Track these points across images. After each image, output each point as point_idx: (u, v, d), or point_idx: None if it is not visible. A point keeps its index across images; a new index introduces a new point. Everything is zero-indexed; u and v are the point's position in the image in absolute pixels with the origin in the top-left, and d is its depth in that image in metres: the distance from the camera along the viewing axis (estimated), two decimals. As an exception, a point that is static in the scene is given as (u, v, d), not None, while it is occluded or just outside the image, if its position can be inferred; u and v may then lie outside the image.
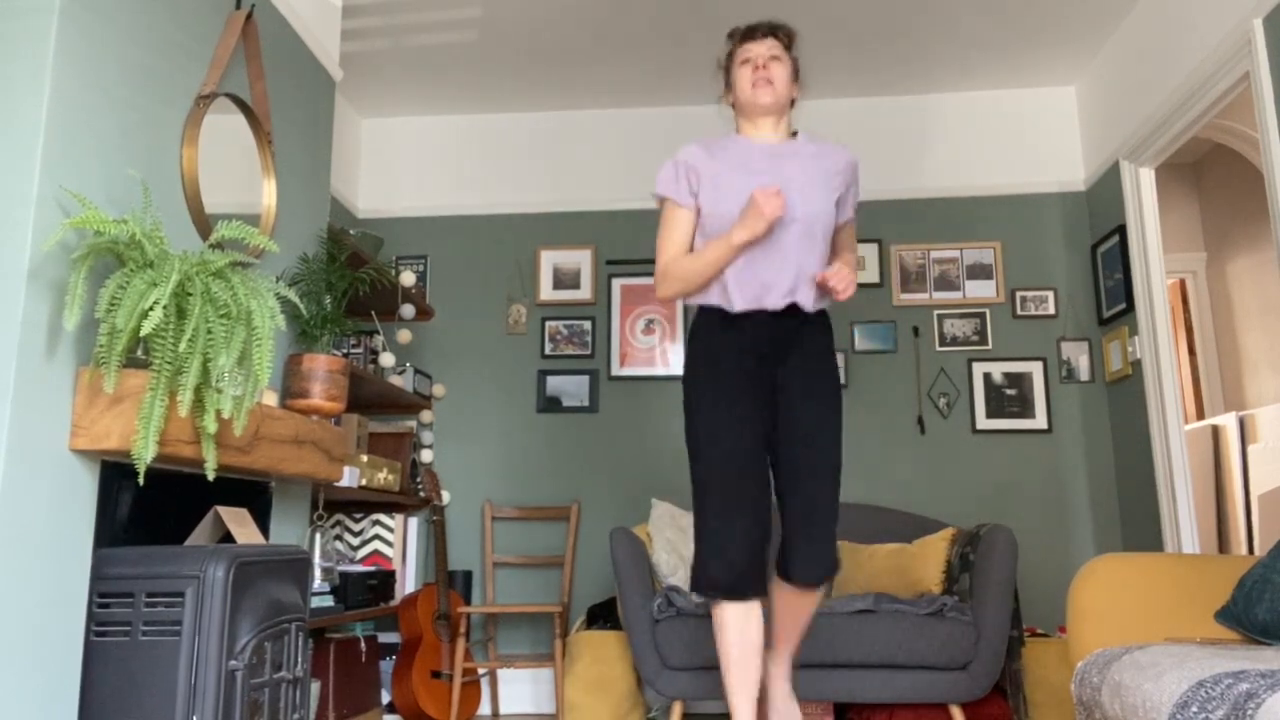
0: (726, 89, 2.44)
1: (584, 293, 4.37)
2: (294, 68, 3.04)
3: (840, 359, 4.18)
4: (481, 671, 3.92)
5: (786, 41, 2.39)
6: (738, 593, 2.22)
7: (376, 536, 3.88)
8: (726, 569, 2.20)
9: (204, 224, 2.41)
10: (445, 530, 3.86)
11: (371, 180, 4.58)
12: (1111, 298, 3.98)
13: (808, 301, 2.29)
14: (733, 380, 2.27)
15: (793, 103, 2.42)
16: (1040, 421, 4.07)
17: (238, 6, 2.67)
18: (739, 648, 2.25)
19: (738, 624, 2.25)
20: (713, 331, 2.31)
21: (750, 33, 2.37)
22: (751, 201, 2.16)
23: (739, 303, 2.27)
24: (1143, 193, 3.80)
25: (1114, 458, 4.03)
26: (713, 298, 2.31)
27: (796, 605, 2.33)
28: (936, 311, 4.20)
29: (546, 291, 4.39)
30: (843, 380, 4.18)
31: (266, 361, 2.02)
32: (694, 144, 2.37)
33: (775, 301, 2.26)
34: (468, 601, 4.02)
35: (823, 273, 2.22)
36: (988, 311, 4.19)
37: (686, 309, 4.32)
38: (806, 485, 2.25)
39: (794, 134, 2.44)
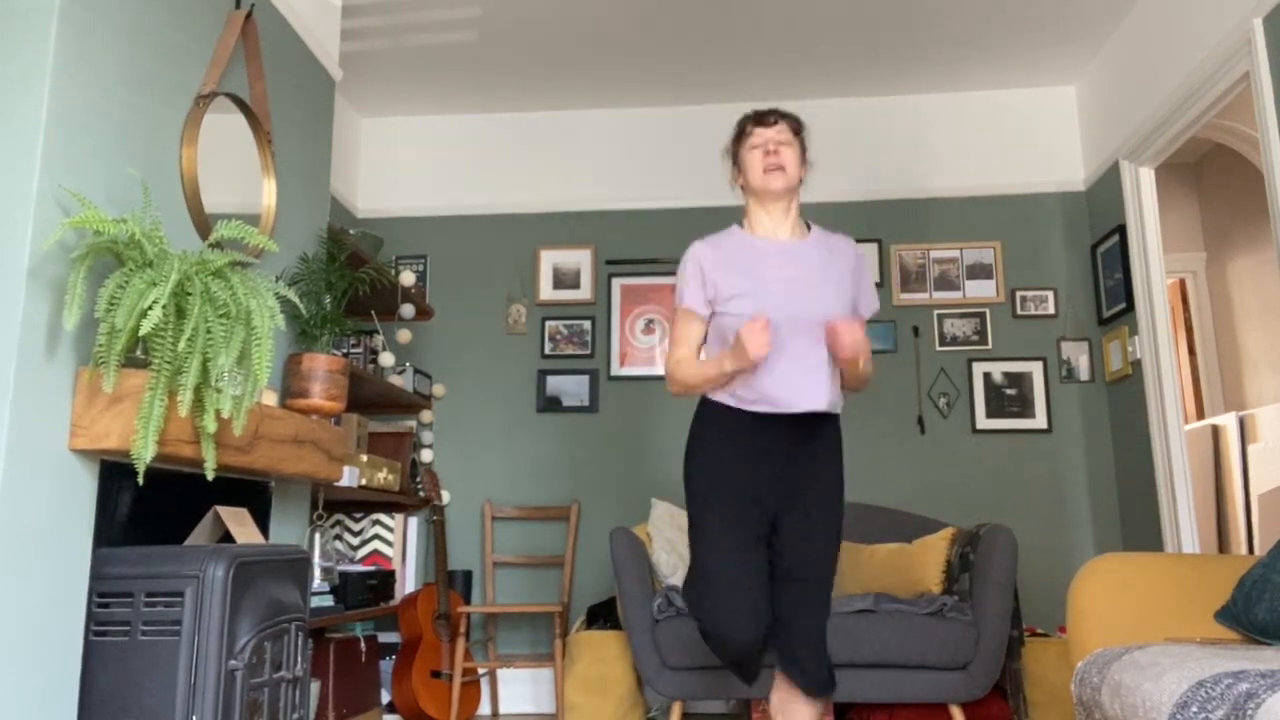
0: (736, 172, 2.44)
1: (584, 292, 4.37)
2: (294, 67, 3.04)
3: (840, 359, 4.18)
4: (481, 671, 3.92)
5: (795, 127, 2.41)
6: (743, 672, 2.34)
7: (376, 536, 3.88)
8: (729, 652, 2.27)
9: (203, 223, 2.41)
10: (445, 530, 3.86)
11: (371, 180, 4.58)
12: (1111, 297, 3.98)
13: (822, 404, 2.25)
14: (737, 472, 2.27)
15: (800, 181, 2.43)
16: (1040, 421, 4.07)
17: (237, 6, 2.67)
18: None
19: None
20: (725, 425, 2.31)
21: (760, 119, 2.39)
22: (738, 338, 2.15)
23: (750, 407, 2.27)
24: (1143, 192, 3.80)
25: (1114, 458, 4.03)
26: (724, 397, 2.31)
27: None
28: (936, 311, 4.20)
29: (546, 291, 4.38)
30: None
31: (266, 361, 2.02)
32: (703, 244, 2.38)
33: (787, 406, 2.24)
34: (467, 601, 4.02)
35: (833, 323, 2.20)
36: (988, 311, 4.19)
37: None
38: (801, 607, 2.28)
39: (808, 226, 2.45)
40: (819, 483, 2.30)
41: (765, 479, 2.27)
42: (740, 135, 2.42)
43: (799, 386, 2.24)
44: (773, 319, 2.25)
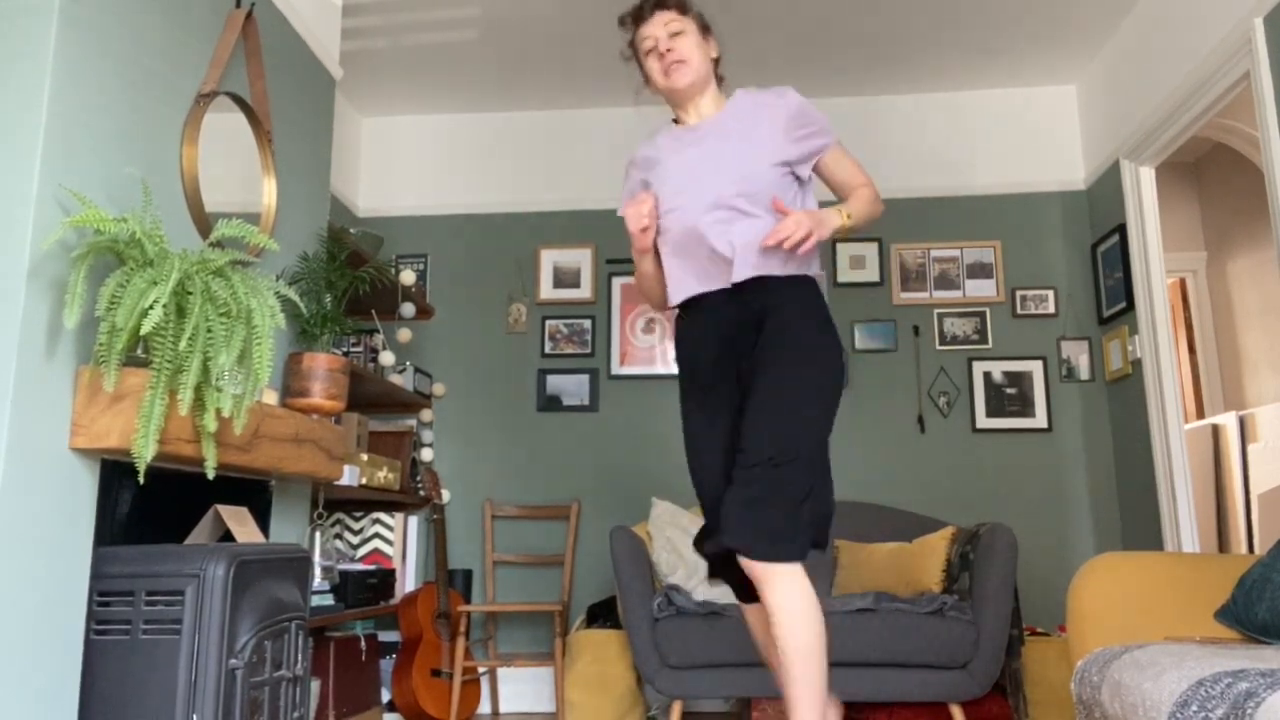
0: (646, 81, 2.23)
1: (584, 291, 4.37)
2: (294, 66, 3.03)
3: (840, 358, 4.18)
4: (481, 670, 3.92)
5: (680, 7, 2.16)
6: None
7: (376, 535, 3.88)
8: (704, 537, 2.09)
9: (204, 223, 2.41)
10: (445, 529, 3.86)
11: (371, 179, 4.58)
12: (1111, 297, 3.98)
13: (746, 271, 2.02)
14: (697, 369, 2.10)
15: (717, 61, 2.22)
16: (1040, 421, 4.07)
17: (237, 5, 2.67)
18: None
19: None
20: (681, 326, 2.16)
21: (638, 15, 2.17)
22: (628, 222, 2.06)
23: (677, 294, 2.11)
24: (1143, 192, 3.80)
25: (1114, 457, 4.03)
26: (673, 293, 2.15)
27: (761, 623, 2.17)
28: (937, 310, 4.20)
29: (546, 290, 4.39)
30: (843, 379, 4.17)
31: (266, 360, 2.02)
32: (640, 146, 2.26)
33: (703, 285, 2.07)
34: (468, 600, 4.02)
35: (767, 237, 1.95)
36: (988, 310, 4.19)
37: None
38: (745, 434, 1.96)
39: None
40: (771, 348, 2.00)
41: (720, 369, 2.07)
42: (631, 44, 2.21)
43: (709, 265, 2.05)
44: (672, 200, 2.08)
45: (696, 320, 2.11)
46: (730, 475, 1.97)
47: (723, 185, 2.05)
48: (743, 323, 2.05)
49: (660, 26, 2.14)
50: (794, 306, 2.04)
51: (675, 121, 2.26)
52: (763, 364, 2.00)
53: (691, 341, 2.12)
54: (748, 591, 2.12)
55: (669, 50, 2.12)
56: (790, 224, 1.93)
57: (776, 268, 2.04)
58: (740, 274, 2.02)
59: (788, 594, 1.86)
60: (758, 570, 1.87)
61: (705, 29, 2.20)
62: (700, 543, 2.09)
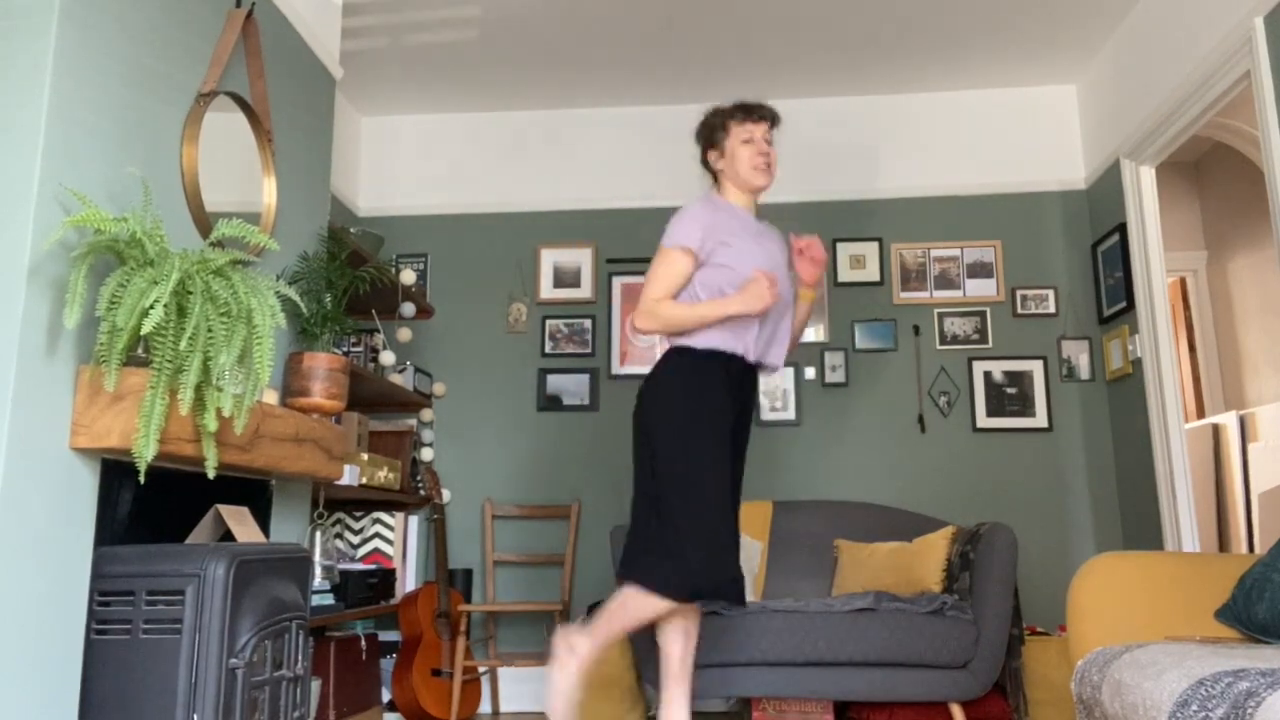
0: (717, 153, 2.64)
1: (584, 291, 4.37)
2: (294, 66, 3.03)
3: (840, 357, 4.19)
4: (482, 670, 3.92)
5: (777, 124, 2.67)
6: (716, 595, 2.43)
7: (377, 535, 3.88)
8: (722, 572, 2.38)
9: (204, 222, 2.41)
10: (445, 529, 3.86)
11: (372, 178, 4.58)
12: (1112, 296, 3.98)
13: (782, 362, 2.63)
14: (725, 419, 2.47)
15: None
16: (1040, 420, 4.07)
17: (238, 5, 2.67)
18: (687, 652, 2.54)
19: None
20: (715, 374, 2.49)
21: (754, 112, 2.61)
22: (757, 284, 2.40)
23: (753, 356, 2.52)
24: (1143, 191, 3.80)
25: (1114, 456, 4.03)
26: (724, 344, 2.49)
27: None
28: (937, 310, 4.20)
29: (547, 290, 4.38)
30: (843, 379, 4.17)
31: (267, 360, 2.02)
32: (701, 204, 2.57)
33: (766, 359, 2.58)
34: (468, 600, 4.02)
35: (803, 242, 2.58)
36: (988, 310, 4.19)
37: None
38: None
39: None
40: (747, 418, 2.60)
41: (733, 419, 2.53)
42: (726, 126, 2.62)
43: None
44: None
45: (725, 375, 2.49)
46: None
47: (786, 293, 2.59)
48: (746, 396, 2.55)
49: (764, 131, 2.61)
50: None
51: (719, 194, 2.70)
52: (743, 436, 2.59)
53: (723, 394, 2.48)
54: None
55: (766, 152, 2.59)
56: (821, 250, 2.60)
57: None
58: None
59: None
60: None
61: None
62: (729, 577, 2.42)
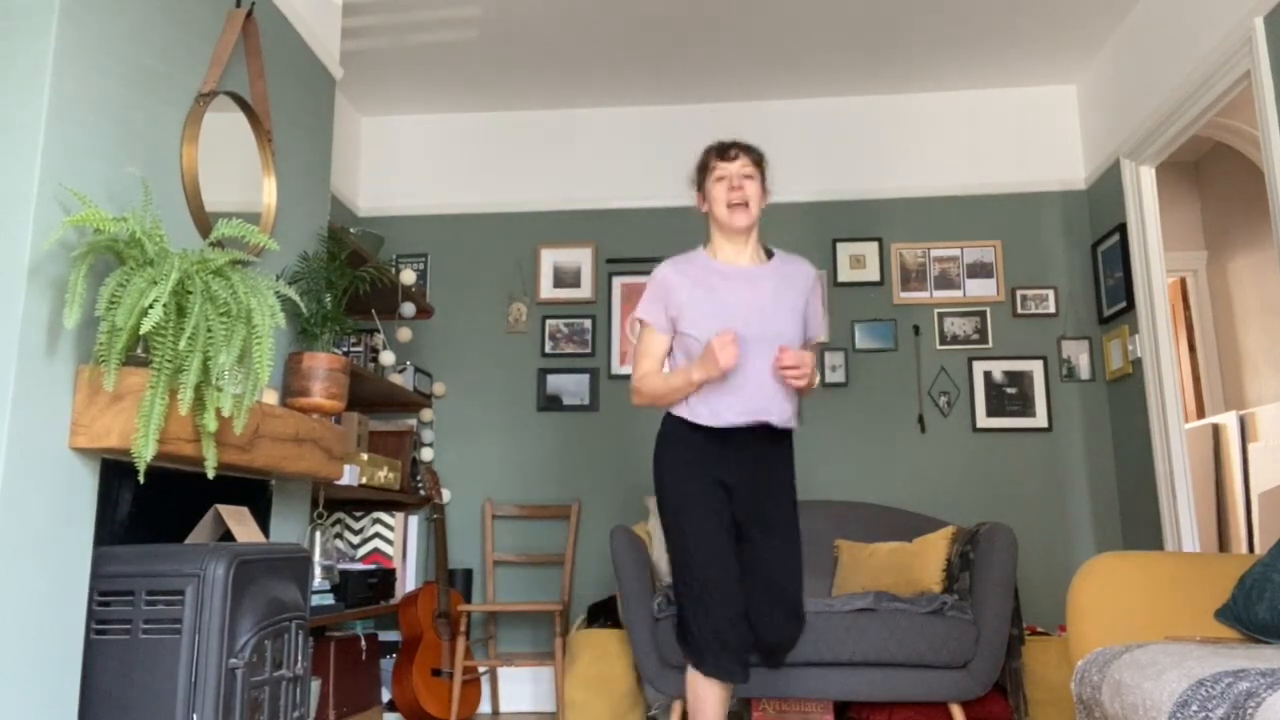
0: (701, 199, 2.57)
1: (584, 291, 4.37)
2: (294, 66, 3.03)
3: (840, 357, 4.19)
4: (482, 670, 3.92)
5: (756, 159, 2.54)
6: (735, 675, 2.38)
7: (377, 535, 3.88)
8: (730, 655, 2.34)
9: (204, 222, 2.41)
10: (445, 528, 3.86)
11: (372, 178, 4.58)
12: (1112, 296, 3.98)
13: (776, 419, 2.41)
14: (712, 488, 2.40)
15: (760, 213, 2.57)
16: (1040, 420, 4.07)
17: (238, 4, 2.67)
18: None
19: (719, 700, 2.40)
20: (691, 437, 2.43)
21: (723, 152, 2.52)
22: (708, 349, 2.29)
23: (707, 420, 2.40)
24: (1143, 191, 3.80)
25: (1114, 456, 4.03)
26: (684, 412, 2.44)
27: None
28: (937, 310, 4.20)
29: (547, 290, 4.39)
30: (843, 379, 4.18)
31: (267, 360, 2.02)
32: (668, 266, 2.52)
33: (743, 419, 2.39)
34: (468, 600, 4.02)
35: (780, 356, 2.33)
36: (988, 310, 4.19)
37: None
38: (777, 603, 2.43)
39: (769, 253, 2.59)
40: (776, 492, 2.46)
41: (728, 490, 2.43)
42: (705, 167, 2.55)
43: (756, 403, 2.39)
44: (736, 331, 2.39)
45: (713, 443, 2.41)
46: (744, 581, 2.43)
47: (774, 329, 2.42)
48: (751, 464, 2.43)
49: (739, 167, 2.50)
50: (789, 463, 2.52)
51: (704, 248, 2.58)
52: (776, 512, 2.45)
53: (709, 463, 2.41)
54: (744, 672, 2.40)
55: (739, 188, 2.47)
56: (805, 357, 2.34)
57: (785, 421, 2.44)
58: (782, 422, 2.42)
59: None
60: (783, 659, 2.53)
61: (764, 185, 2.56)
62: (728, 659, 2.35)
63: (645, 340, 2.53)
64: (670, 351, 2.54)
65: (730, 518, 2.42)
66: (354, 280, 3.06)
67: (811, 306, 2.57)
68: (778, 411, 2.41)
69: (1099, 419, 4.07)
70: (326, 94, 3.28)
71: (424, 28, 3.86)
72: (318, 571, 3.06)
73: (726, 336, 2.27)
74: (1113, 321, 4.00)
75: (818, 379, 2.46)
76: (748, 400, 2.39)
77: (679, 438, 2.45)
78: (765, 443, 2.45)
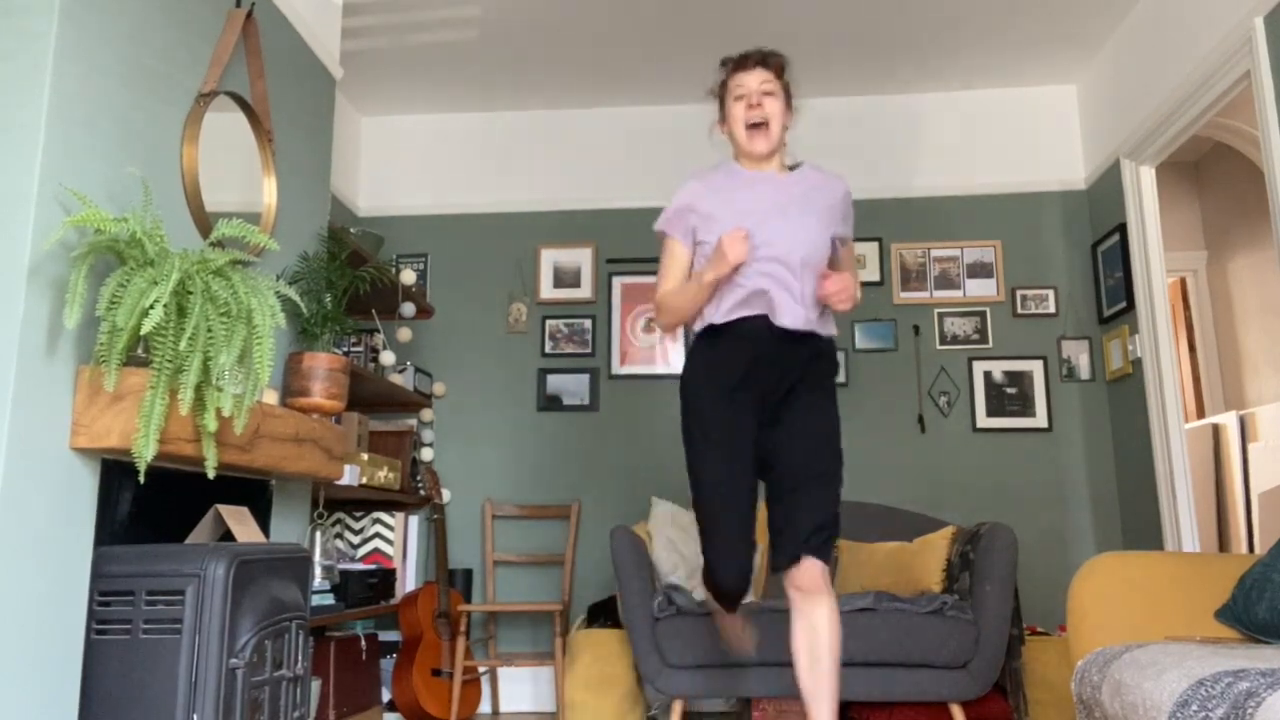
0: (721, 119, 2.40)
1: (584, 291, 4.37)
2: (294, 66, 3.03)
3: (840, 358, 4.18)
4: (482, 670, 3.92)
5: (778, 71, 2.34)
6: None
7: (377, 535, 3.88)
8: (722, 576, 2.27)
9: (204, 222, 2.41)
10: (445, 528, 3.86)
11: (372, 178, 4.58)
12: (1112, 296, 3.98)
13: (800, 323, 2.23)
14: (725, 400, 2.25)
15: (785, 131, 2.39)
16: (1041, 420, 4.07)
17: (238, 5, 2.67)
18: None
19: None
20: (713, 346, 2.29)
21: (741, 63, 2.32)
22: (718, 244, 2.16)
23: (729, 316, 2.25)
24: (1143, 191, 3.80)
25: (1114, 456, 4.03)
26: (710, 316, 2.30)
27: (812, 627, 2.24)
28: (937, 310, 4.20)
29: (547, 290, 4.38)
30: (843, 379, 4.18)
31: (267, 360, 2.02)
32: (693, 179, 2.36)
33: (765, 312, 2.24)
34: (468, 600, 4.02)
35: (821, 283, 2.21)
36: (988, 310, 4.19)
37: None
38: (806, 496, 2.22)
39: (793, 166, 2.41)
40: (810, 401, 2.25)
41: (756, 390, 2.25)
42: (724, 79, 2.36)
43: (776, 302, 2.22)
44: (756, 236, 2.23)
45: (731, 341, 2.26)
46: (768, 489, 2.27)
47: (799, 241, 2.24)
48: (786, 363, 2.24)
49: (756, 81, 2.29)
50: (826, 375, 2.32)
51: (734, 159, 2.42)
52: (810, 407, 2.26)
53: (725, 358, 2.26)
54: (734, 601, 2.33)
55: (758, 105, 2.28)
56: (846, 280, 2.18)
57: (809, 324, 2.26)
58: (807, 325, 2.23)
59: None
60: (821, 577, 2.19)
61: (789, 99, 2.36)
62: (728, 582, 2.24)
63: (669, 255, 2.36)
64: (693, 267, 2.36)
65: (751, 440, 2.24)
66: (354, 280, 3.06)
67: (847, 219, 2.41)
68: (800, 315, 2.23)
69: (1099, 419, 4.07)
70: (326, 94, 3.28)
71: (424, 28, 3.86)
72: (318, 571, 3.06)
73: (738, 233, 2.14)
74: (1113, 321, 4.00)
75: (859, 293, 2.28)
76: (765, 300, 2.22)
77: (703, 352, 2.29)
78: (793, 347, 2.23)
